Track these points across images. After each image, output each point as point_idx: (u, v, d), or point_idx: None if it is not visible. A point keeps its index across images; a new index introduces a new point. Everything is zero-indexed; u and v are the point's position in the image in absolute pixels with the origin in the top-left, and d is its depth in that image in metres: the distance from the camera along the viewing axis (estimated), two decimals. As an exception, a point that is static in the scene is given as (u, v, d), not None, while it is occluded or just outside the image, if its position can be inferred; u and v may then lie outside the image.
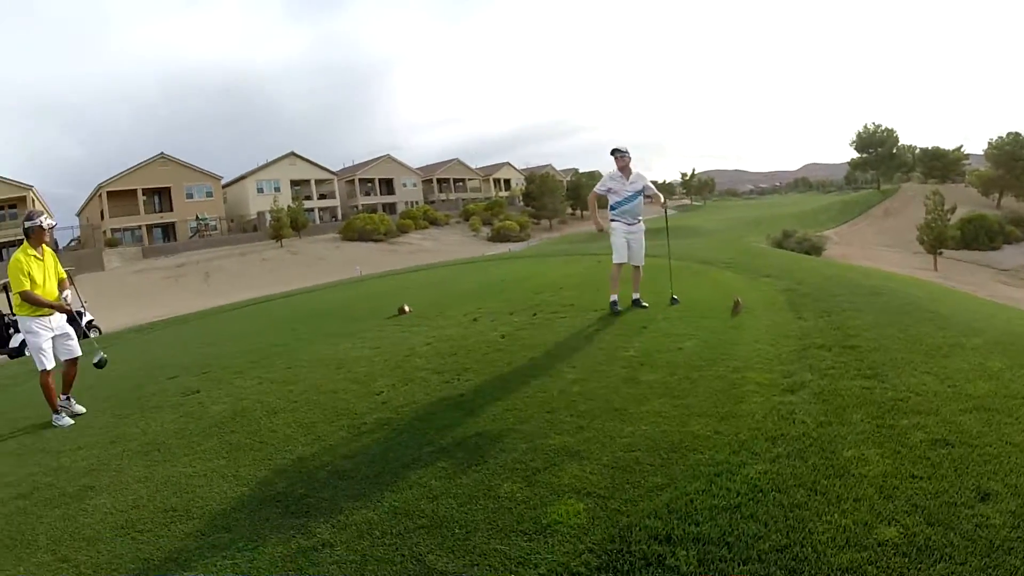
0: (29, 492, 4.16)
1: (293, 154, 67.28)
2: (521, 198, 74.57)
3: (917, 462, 2.92)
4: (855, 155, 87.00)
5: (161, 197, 57.27)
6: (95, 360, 6.68)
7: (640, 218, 7.19)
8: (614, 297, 7.05)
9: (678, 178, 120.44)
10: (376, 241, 52.26)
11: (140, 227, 55.10)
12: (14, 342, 16.84)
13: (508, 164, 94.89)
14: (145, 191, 55.52)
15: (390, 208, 71.75)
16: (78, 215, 62.76)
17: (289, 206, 53.14)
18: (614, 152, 7.10)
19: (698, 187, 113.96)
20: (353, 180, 74.04)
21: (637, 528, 2.62)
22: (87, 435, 5.31)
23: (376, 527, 2.92)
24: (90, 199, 58.53)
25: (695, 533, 2.54)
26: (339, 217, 67.27)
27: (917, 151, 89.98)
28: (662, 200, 7.46)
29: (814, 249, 35.90)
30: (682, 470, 3.07)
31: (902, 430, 3.29)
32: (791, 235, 40.29)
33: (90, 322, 18.41)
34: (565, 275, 11.07)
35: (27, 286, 5.56)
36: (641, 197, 7.17)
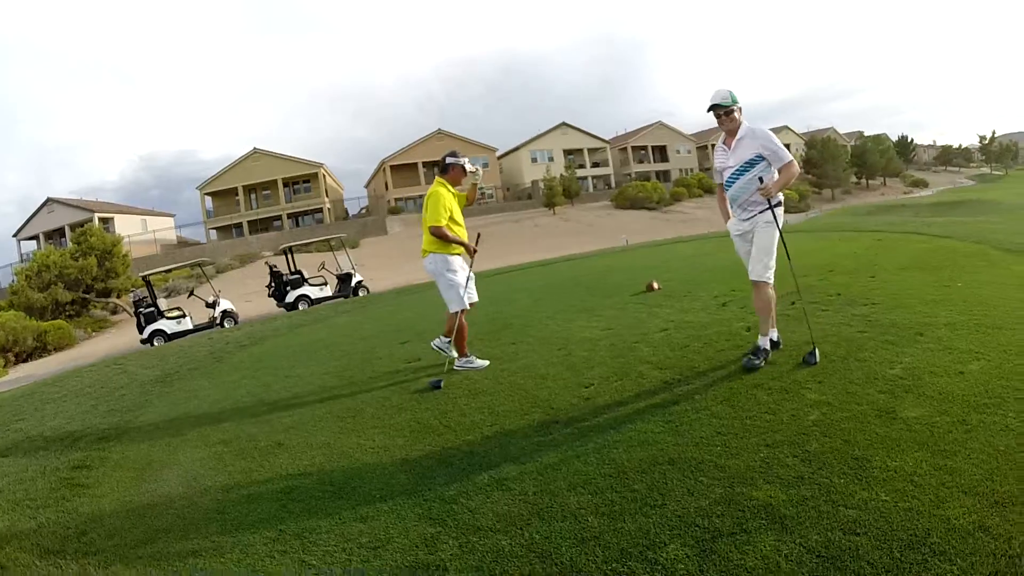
0: (232, 439, 4.75)
1: (565, 124, 70.26)
2: (801, 165, 68.69)
3: None
4: None
5: (439, 169, 63.46)
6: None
7: (755, 208, 4.74)
8: (760, 340, 4.76)
9: (975, 142, 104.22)
10: (648, 209, 51.92)
11: (420, 196, 61.74)
12: (290, 297, 19.91)
13: (787, 128, 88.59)
14: (425, 163, 62.70)
15: (663, 176, 71.15)
16: (366, 187, 73.72)
17: (562, 175, 55.40)
18: (710, 109, 4.78)
19: (999, 153, 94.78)
20: (626, 148, 74.91)
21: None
22: (310, 392, 5.92)
23: (503, 562, 2.53)
24: (376, 173, 68.32)
25: None
26: (612, 185, 68.40)
27: None
28: (773, 178, 4.63)
29: None
30: (911, 587, 2.09)
31: None
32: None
33: (359, 283, 20.88)
34: (838, 255, 10.09)
35: (445, 221, 5.66)
36: (751, 174, 4.69)
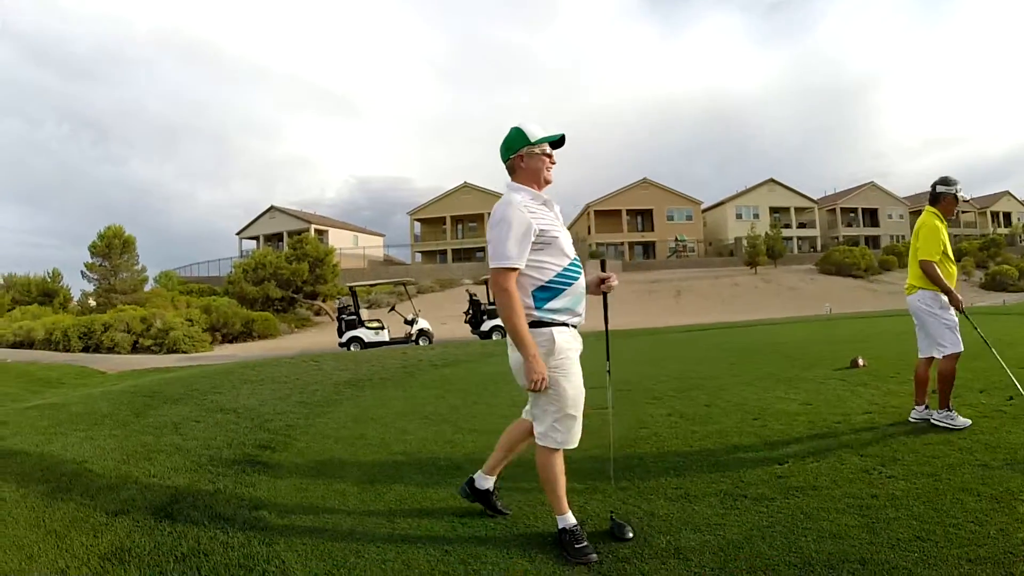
0: (412, 452, 4.88)
1: (772, 181, 67.61)
2: (1022, 236, 61.66)
3: None
4: None
5: (643, 217, 65.66)
6: None
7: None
8: (568, 519, 3.13)
9: None
10: (855, 277, 47.73)
11: (622, 243, 63.97)
12: (485, 326, 20.59)
13: (1008, 194, 77.80)
14: (628, 211, 64.21)
15: (873, 241, 65.57)
16: (568, 228, 74.11)
17: (767, 233, 53.08)
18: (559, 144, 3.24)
19: None
20: (834, 209, 70.31)
21: None
22: (496, 422, 5.89)
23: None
24: (579, 216, 70.28)
25: None
26: (818, 248, 64.35)
27: None
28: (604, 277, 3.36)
29: None
30: None
31: None
32: None
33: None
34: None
35: (937, 257, 5.16)
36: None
